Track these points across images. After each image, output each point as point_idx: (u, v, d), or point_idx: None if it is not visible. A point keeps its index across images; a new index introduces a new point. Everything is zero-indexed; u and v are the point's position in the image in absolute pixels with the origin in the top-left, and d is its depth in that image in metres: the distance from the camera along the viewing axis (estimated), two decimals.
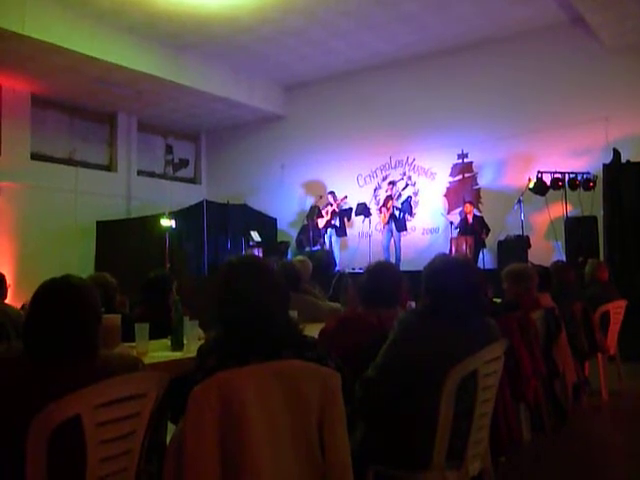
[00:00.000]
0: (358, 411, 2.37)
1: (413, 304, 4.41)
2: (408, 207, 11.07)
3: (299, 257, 5.71)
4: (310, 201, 12.63)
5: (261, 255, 11.04)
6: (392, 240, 10.89)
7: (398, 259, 10.59)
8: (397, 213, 10.82)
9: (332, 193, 11.69)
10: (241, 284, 1.95)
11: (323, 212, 11.63)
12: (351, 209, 11.50)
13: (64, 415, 1.68)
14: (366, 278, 2.97)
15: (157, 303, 4.00)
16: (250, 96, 12.61)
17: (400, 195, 11.10)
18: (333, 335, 2.75)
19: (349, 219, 11.58)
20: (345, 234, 11.64)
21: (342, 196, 11.57)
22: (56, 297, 1.97)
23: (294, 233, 12.64)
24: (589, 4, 8.62)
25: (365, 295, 2.93)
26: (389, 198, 10.99)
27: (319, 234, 11.59)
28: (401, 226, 10.89)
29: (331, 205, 11.55)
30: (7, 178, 11.02)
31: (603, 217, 8.50)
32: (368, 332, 2.70)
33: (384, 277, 2.92)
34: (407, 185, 11.47)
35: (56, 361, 1.89)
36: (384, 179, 12.08)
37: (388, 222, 10.86)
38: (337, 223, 11.48)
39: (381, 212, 11.04)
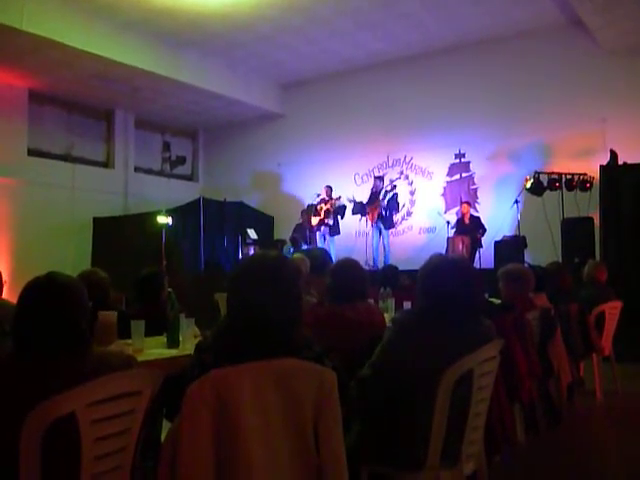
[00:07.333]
0: (353, 410, 2.37)
1: (409, 304, 4.44)
2: (394, 204, 10.85)
3: (298, 255, 5.66)
4: (307, 199, 12.62)
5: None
6: (381, 238, 10.75)
7: (387, 258, 10.46)
8: (384, 212, 10.67)
9: (328, 187, 11.51)
10: (250, 283, 1.94)
11: (318, 209, 11.48)
12: (344, 207, 11.39)
13: (58, 412, 1.68)
14: (337, 275, 3.15)
15: (151, 300, 4.00)
16: (248, 94, 12.60)
17: (387, 193, 10.86)
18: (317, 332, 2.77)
19: (342, 217, 11.43)
20: (338, 232, 11.38)
21: (337, 195, 11.36)
22: (39, 295, 1.97)
23: (291, 231, 12.62)
24: (588, 6, 8.63)
25: (339, 291, 3.08)
26: (375, 197, 10.83)
27: (314, 232, 11.51)
28: (389, 223, 10.76)
29: (325, 200, 11.40)
30: (4, 174, 10.96)
31: (600, 218, 8.52)
32: (353, 333, 2.81)
33: (352, 272, 3.16)
34: (394, 187, 11.04)
35: (46, 359, 1.88)
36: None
37: (376, 221, 10.75)
38: (331, 222, 11.29)
39: (369, 211, 10.82)
